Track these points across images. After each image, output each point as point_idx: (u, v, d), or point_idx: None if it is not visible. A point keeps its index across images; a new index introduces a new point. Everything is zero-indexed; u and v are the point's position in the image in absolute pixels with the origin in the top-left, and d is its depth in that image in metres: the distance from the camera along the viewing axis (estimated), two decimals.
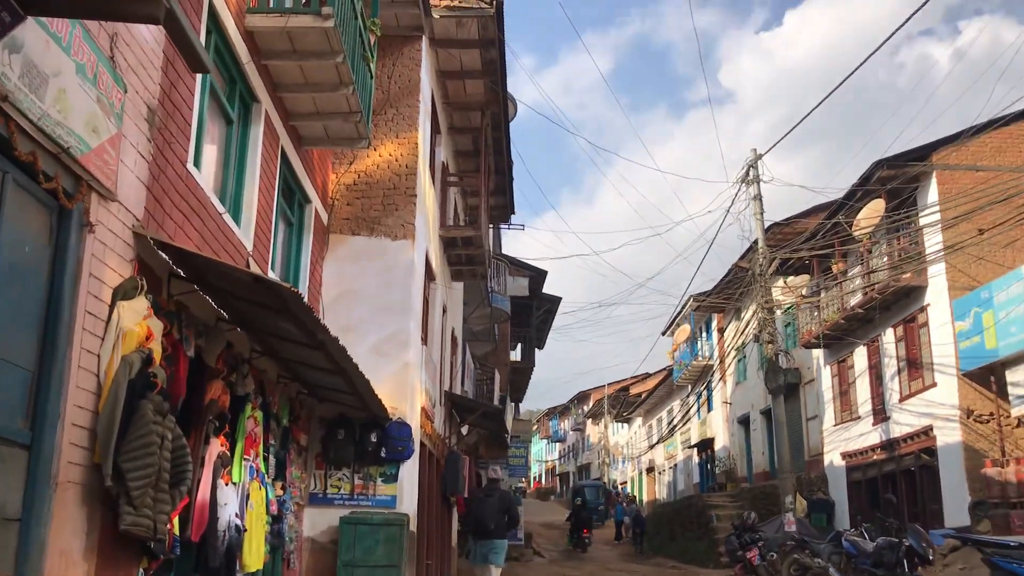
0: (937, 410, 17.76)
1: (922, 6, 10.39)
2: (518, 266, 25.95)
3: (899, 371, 19.65)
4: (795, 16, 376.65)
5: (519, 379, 32.36)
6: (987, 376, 16.78)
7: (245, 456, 7.33)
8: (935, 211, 17.41)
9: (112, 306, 5.03)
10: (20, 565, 4.27)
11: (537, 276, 27.56)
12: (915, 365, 19.08)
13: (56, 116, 4.38)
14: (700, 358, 33.18)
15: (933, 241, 17.67)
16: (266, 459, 8.26)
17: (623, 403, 50.95)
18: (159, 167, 5.76)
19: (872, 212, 18.69)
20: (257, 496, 7.61)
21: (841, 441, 22.40)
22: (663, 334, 37.18)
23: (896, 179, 18.22)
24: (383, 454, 10.55)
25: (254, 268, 7.71)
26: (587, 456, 63.63)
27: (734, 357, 28.91)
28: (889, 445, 19.86)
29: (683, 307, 31.55)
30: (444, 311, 15.43)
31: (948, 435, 17.43)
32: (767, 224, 19.47)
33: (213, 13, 6.82)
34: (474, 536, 11.76)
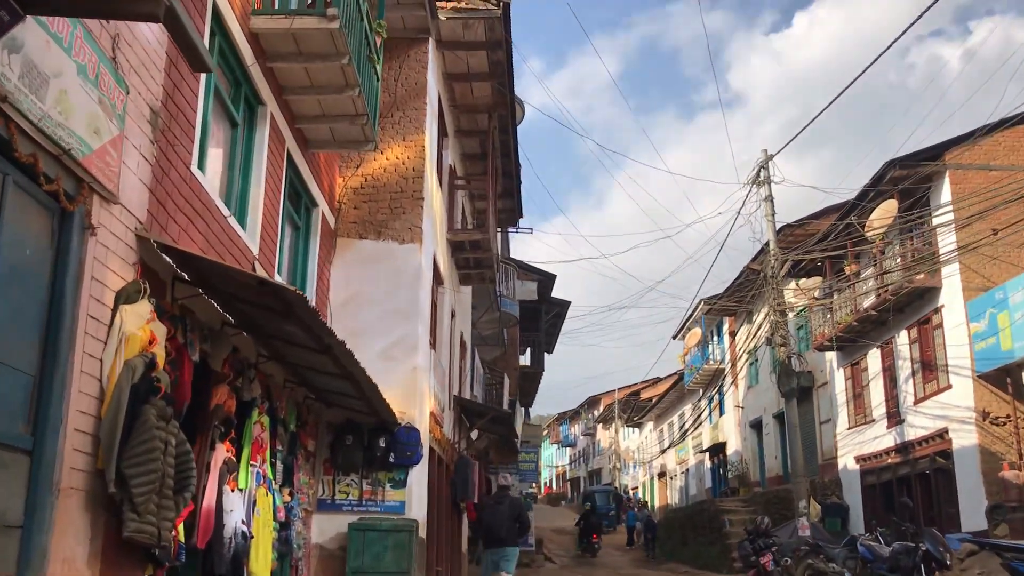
0: (952, 412, 17.56)
1: (932, 4, 10.28)
2: (527, 270, 25.88)
3: (913, 373, 19.45)
4: (804, 18, 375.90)
5: (528, 384, 32.28)
6: (1003, 378, 16.58)
7: (252, 462, 7.26)
8: (948, 211, 17.24)
9: (114, 310, 4.97)
10: (22, 572, 4.21)
11: (546, 280, 27.48)
12: (930, 367, 18.88)
13: (57, 117, 4.32)
14: (711, 362, 32.99)
15: (947, 241, 17.49)
16: (273, 465, 8.19)
17: (634, 408, 50.77)
18: (162, 169, 5.71)
19: (885, 213, 18.53)
20: (264, 502, 7.54)
21: (855, 444, 22.20)
22: (674, 338, 37.03)
23: (908, 179, 18.05)
24: (392, 459, 10.47)
25: (260, 272, 7.65)
26: (598, 461, 63.41)
27: (746, 360, 28.70)
28: (904, 448, 19.66)
29: (694, 310, 31.40)
30: (452, 315, 15.36)
31: (964, 438, 17.24)
32: (779, 226, 19.33)
33: (217, 15, 6.77)
34: (485, 544, 11.66)
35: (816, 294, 22.43)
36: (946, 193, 17.85)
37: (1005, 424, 16.56)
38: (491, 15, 12.33)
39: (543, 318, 29.91)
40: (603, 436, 61.36)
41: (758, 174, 18.46)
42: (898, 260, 19.34)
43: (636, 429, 53.02)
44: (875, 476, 21.09)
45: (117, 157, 4.97)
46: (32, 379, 4.37)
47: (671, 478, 44.74)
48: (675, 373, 40.15)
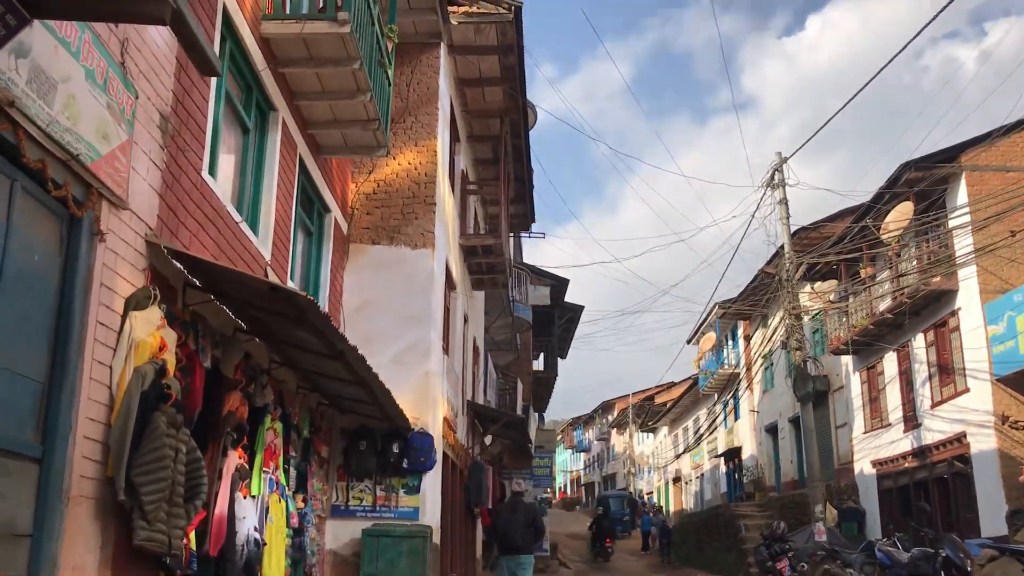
0: (970, 416, 17.35)
1: (947, 5, 10.17)
2: (539, 275, 25.81)
3: (930, 377, 19.24)
4: (817, 20, 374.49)
5: (542, 389, 32.20)
6: (1022, 381, 16.37)
7: (264, 468, 7.22)
8: (965, 213, 17.05)
9: (124, 316, 4.94)
10: None
11: (559, 285, 27.39)
12: (947, 371, 18.67)
13: (65, 122, 4.30)
14: (726, 366, 32.79)
15: (963, 243, 17.30)
16: (287, 471, 8.15)
17: (648, 412, 50.54)
18: (172, 175, 5.68)
19: (901, 215, 18.34)
20: (277, 509, 7.50)
21: (871, 449, 21.99)
22: (688, 342, 36.84)
23: (924, 181, 17.87)
24: (405, 465, 10.43)
25: (272, 278, 7.62)
26: (612, 466, 63.20)
27: (761, 365, 28.51)
28: (921, 452, 19.44)
29: (708, 314, 31.21)
30: (465, 320, 15.31)
31: (982, 442, 17.03)
32: (793, 229, 19.19)
33: (227, 20, 6.75)
34: (501, 551, 11.59)
35: (831, 297, 22.24)
36: (962, 195, 17.65)
37: None
38: (503, 19, 12.29)
39: (556, 323, 29.82)
40: (617, 441, 61.15)
41: (772, 177, 18.34)
42: (914, 263, 19.15)
43: (650, 434, 52.80)
44: (892, 480, 20.87)
45: (126, 162, 4.94)
46: (41, 386, 4.34)
47: (686, 483, 44.51)
48: (689, 378, 39.94)
